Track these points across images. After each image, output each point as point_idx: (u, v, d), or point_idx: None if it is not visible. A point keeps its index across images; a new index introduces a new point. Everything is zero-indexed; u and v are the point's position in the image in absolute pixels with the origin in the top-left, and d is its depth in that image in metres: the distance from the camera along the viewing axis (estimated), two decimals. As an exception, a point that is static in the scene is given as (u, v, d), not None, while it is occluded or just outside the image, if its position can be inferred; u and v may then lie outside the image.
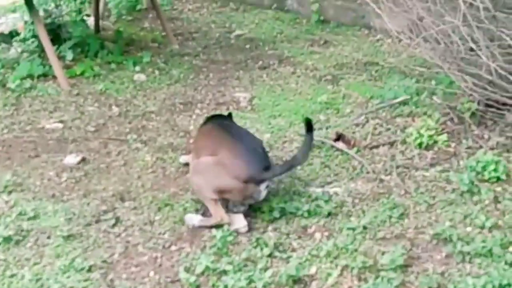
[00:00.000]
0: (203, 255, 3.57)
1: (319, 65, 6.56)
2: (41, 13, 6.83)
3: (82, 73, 6.24)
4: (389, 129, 5.02)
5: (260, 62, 6.70)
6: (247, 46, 7.24)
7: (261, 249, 3.62)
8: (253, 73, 6.42)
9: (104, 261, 3.60)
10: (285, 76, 6.30)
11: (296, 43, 7.27)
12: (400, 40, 6.85)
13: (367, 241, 3.67)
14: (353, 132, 5.00)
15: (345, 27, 7.69)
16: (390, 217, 3.89)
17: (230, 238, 3.70)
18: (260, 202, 4.04)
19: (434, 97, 5.20)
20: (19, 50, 6.86)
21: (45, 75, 6.17)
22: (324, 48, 7.09)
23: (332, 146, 4.79)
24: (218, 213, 3.81)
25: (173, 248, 3.72)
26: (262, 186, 3.82)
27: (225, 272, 3.45)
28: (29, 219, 3.95)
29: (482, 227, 3.74)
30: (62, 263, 3.53)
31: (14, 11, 7.99)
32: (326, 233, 3.78)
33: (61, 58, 6.43)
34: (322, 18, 7.94)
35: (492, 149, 4.60)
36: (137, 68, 6.43)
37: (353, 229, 3.76)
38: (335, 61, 6.64)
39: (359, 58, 6.69)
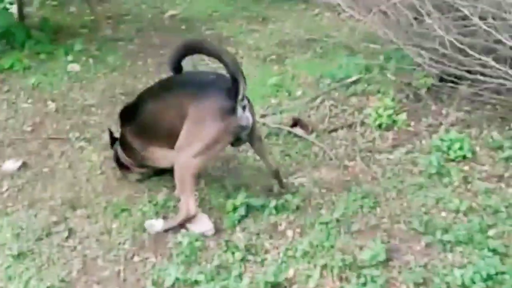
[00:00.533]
0: (171, 265, 3.31)
1: (261, 44, 6.31)
2: (-41, 2, 6.31)
3: (10, 67, 5.78)
4: (345, 110, 4.83)
5: (199, 44, 6.38)
6: (183, 27, 6.91)
7: (233, 253, 3.38)
8: (194, 56, 6.09)
9: (62, 280, 3.27)
10: (227, 58, 6.01)
11: (233, 22, 6.98)
12: (339, 14, 6.73)
13: (342, 235, 3.47)
14: (309, 116, 4.79)
15: (282, 2, 7.46)
16: (362, 207, 3.71)
17: (197, 244, 3.44)
18: (222, 197, 3.83)
19: (388, 74, 5.04)
20: None
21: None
22: (264, 26, 6.84)
23: (290, 133, 4.56)
24: (188, 203, 3.48)
25: (136, 259, 3.42)
26: (239, 110, 3.43)
27: (197, 282, 3.20)
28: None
29: (457, 211, 3.61)
30: (16, 287, 3.18)
31: None
32: (298, 230, 3.57)
33: (-15, 50, 5.96)
34: (257, -7, 7.68)
35: (452, 125, 4.48)
36: (70, 57, 6.01)
37: (326, 223, 3.56)
38: (276, 39, 6.40)
39: (301, 35, 6.47)
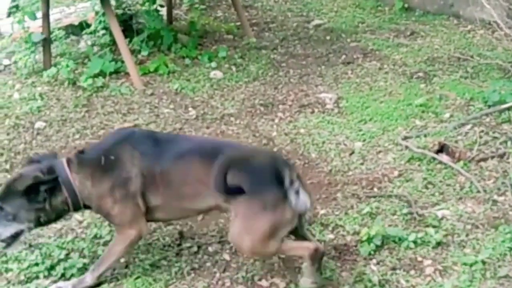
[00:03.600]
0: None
1: (408, 59, 6.05)
2: (113, 2, 6.48)
3: (155, 70, 5.86)
4: (496, 138, 4.50)
5: (344, 56, 6.23)
6: (328, 38, 6.76)
7: (365, 287, 3.18)
8: (337, 69, 5.95)
9: (190, 297, 3.20)
10: (371, 73, 5.81)
11: (380, 34, 6.76)
12: (493, 32, 6.33)
13: (488, 281, 3.19)
14: (456, 142, 4.49)
15: (432, 16, 7.18)
16: (511, 249, 3.39)
17: (328, 274, 3.27)
18: (358, 224, 3.65)
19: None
20: (89, 43, 6.55)
21: (117, 71, 5.81)
22: (412, 40, 6.57)
23: (434, 159, 4.29)
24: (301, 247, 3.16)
25: (264, 283, 3.25)
26: (291, 194, 3.02)
27: (325, 316, 3.03)
28: (105, 243, 3.57)
29: None
30: (141, 300, 3.16)
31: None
32: (439, 268, 3.31)
33: (133, 52, 6.07)
34: (406, 5, 7.44)
35: None
36: (213, 64, 6.02)
37: (470, 264, 3.28)
38: (425, 55, 6.12)
39: (451, 52, 6.15)
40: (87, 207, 3.23)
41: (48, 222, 3.20)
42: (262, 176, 3.06)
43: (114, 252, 3.23)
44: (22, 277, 3.24)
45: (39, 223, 3.15)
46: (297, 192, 3.03)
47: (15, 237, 3.10)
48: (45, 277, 3.25)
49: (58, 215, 3.20)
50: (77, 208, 3.19)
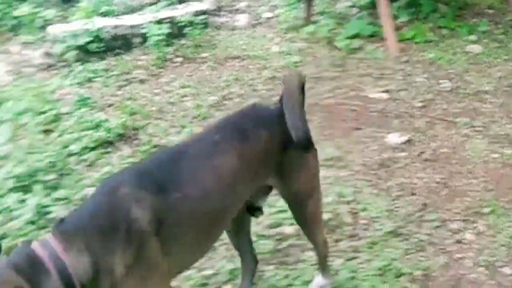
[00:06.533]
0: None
1: None
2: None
3: (412, 38, 5.81)
4: None
5: None
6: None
7: None
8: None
9: (424, 272, 3.17)
10: None
11: None
12: None
13: None
14: None
15: None
16: None
17: None
18: None
19: None
20: (349, 3, 6.64)
21: (373, 35, 5.85)
22: None
23: None
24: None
25: (508, 271, 3.17)
26: None
27: None
28: (348, 202, 3.67)
29: None
30: (379, 264, 3.19)
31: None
32: None
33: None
34: None
35: None
36: (472, 37, 5.83)
37: None
38: None
39: None
40: None
41: None
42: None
43: None
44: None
45: None
46: None
47: None
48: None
49: None
50: None
